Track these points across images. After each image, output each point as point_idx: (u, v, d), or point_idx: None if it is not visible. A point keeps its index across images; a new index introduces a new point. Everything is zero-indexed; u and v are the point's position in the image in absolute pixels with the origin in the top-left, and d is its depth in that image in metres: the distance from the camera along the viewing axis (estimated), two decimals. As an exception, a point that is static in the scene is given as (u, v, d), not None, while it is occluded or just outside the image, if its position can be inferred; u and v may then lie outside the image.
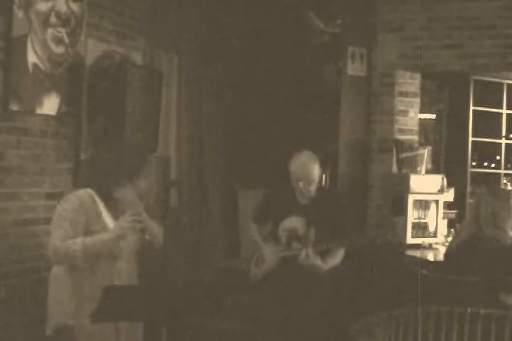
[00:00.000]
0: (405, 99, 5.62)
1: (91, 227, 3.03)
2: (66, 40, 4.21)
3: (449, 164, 6.21)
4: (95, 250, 2.99)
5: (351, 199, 5.67)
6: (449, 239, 4.96)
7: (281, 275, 3.94)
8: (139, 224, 3.03)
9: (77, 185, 3.28)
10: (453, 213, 5.53)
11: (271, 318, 3.90)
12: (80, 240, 2.96)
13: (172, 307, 2.73)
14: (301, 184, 3.94)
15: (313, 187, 3.97)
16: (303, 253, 3.79)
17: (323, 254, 3.90)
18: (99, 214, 3.06)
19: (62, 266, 3.08)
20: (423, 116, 6.10)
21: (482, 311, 3.06)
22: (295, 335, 3.84)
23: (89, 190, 3.07)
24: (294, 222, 3.96)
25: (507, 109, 6.16)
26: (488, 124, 6.16)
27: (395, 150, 5.53)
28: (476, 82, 5.93)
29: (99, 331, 3.00)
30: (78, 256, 2.96)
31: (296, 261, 3.82)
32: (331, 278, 4.01)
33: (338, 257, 3.98)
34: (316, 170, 3.97)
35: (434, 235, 5.27)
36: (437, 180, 5.34)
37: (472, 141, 6.01)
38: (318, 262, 3.83)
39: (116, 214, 3.08)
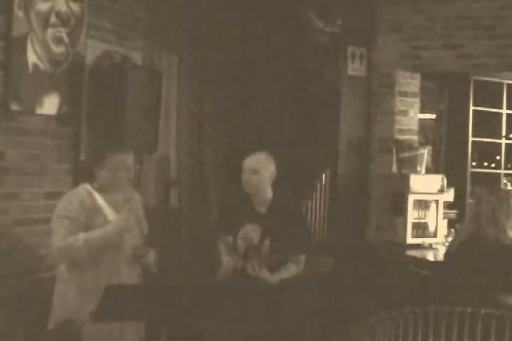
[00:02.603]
0: (405, 99, 5.62)
1: (92, 223, 3.06)
2: (66, 40, 4.21)
3: (449, 164, 6.21)
4: (98, 244, 3.02)
5: (351, 200, 5.68)
6: (449, 239, 4.96)
7: (236, 286, 3.71)
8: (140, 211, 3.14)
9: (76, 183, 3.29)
10: (453, 213, 5.53)
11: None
12: (81, 236, 2.99)
13: (173, 307, 2.74)
14: (249, 180, 3.76)
15: (263, 185, 3.79)
16: (249, 266, 3.65)
17: (277, 265, 3.73)
18: (98, 209, 3.10)
19: (64, 263, 3.10)
20: (423, 116, 6.10)
21: (482, 311, 3.06)
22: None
23: (87, 186, 3.11)
24: (249, 230, 3.78)
25: (507, 109, 6.16)
26: (488, 124, 6.16)
27: (395, 150, 5.53)
28: (476, 82, 5.93)
29: (102, 328, 3.01)
30: (80, 253, 2.98)
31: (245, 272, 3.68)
32: (296, 287, 3.80)
33: (293, 268, 3.79)
34: (264, 163, 3.79)
35: (434, 235, 5.27)
36: (437, 180, 5.34)
37: (472, 141, 6.01)
38: (265, 274, 3.66)
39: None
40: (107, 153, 3.16)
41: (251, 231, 3.77)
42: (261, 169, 3.79)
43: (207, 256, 5.58)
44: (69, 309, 3.06)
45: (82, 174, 3.32)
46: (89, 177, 3.21)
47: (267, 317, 3.63)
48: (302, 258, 3.84)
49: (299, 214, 4.18)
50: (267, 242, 3.72)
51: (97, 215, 3.09)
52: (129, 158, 3.19)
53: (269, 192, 3.85)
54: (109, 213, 3.11)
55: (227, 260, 3.84)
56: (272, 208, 3.84)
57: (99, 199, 3.12)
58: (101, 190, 3.16)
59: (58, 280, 3.18)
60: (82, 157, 4.36)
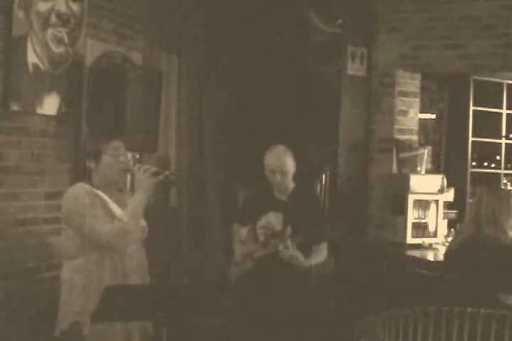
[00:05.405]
0: (405, 99, 5.62)
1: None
2: (66, 40, 4.21)
3: (449, 164, 6.21)
4: (140, 213, 3.07)
5: (351, 200, 5.68)
6: (449, 239, 4.96)
7: (257, 275, 3.82)
8: (153, 169, 3.14)
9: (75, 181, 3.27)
10: (453, 213, 5.53)
11: (251, 317, 3.80)
12: (122, 213, 3.03)
13: (173, 306, 2.74)
14: (275, 176, 3.89)
15: (288, 180, 3.92)
16: (281, 246, 3.67)
17: (306, 252, 3.78)
18: (104, 203, 3.09)
19: (98, 252, 3.07)
20: (423, 116, 6.10)
21: (482, 311, 3.06)
22: (284, 334, 3.74)
23: (83, 184, 3.11)
24: (271, 218, 3.87)
25: (507, 109, 6.16)
26: (488, 124, 6.17)
27: (395, 150, 5.53)
28: (476, 82, 5.93)
29: (108, 330, 3.00)
30: (131, 227, 3.03)
31: (272, 259, 3.72)
32: (316, 275, 3.89)
33: (321, 254, 3.87)
34: (289, 162, 3.92)
35: (434, 235, 5.27)
36: (437, 180, 5.35)
37: (472, 141, 6.01)
38: (300, 254, 3.71)
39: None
40: (106, 140, 3.18)
41: (273, 219, 3.84)
42: (285, 167, 3.90)
43: (207, 256, 5.59)
44: (76, 311, 3.03)
45: (80, 173, 3.30)
46: (86, 177, 3.20)
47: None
48: (324, 246, 3.90)
49: (318, 203, 4.28)
50: (289, 229, 3.76)
51: (105, 209, 3.09)
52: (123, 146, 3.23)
53: (291, 183, 3.96)
54: (114, 207, 3.11)
55: (239, 249, 3.92)
56: (293, 196, 3.94)
57: (101, 193, 3.11)
58: (99, 187, 3.14)
59: (64, 282, 3.14)
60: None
